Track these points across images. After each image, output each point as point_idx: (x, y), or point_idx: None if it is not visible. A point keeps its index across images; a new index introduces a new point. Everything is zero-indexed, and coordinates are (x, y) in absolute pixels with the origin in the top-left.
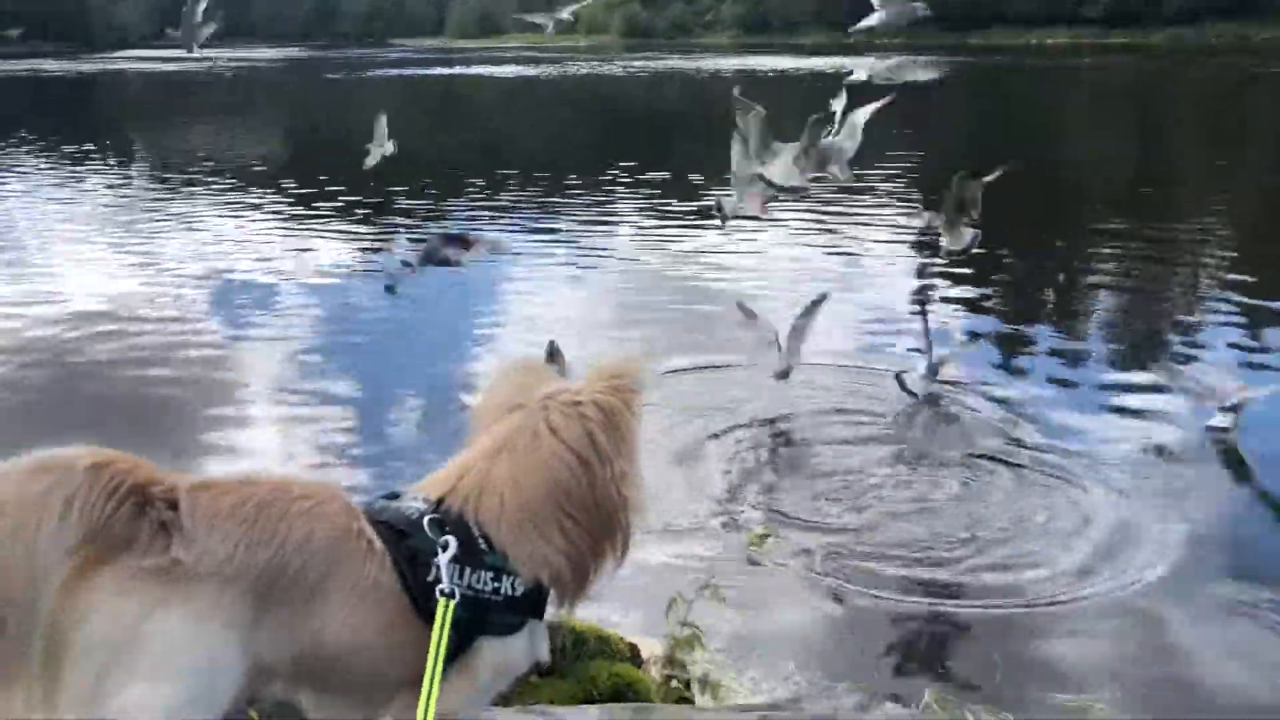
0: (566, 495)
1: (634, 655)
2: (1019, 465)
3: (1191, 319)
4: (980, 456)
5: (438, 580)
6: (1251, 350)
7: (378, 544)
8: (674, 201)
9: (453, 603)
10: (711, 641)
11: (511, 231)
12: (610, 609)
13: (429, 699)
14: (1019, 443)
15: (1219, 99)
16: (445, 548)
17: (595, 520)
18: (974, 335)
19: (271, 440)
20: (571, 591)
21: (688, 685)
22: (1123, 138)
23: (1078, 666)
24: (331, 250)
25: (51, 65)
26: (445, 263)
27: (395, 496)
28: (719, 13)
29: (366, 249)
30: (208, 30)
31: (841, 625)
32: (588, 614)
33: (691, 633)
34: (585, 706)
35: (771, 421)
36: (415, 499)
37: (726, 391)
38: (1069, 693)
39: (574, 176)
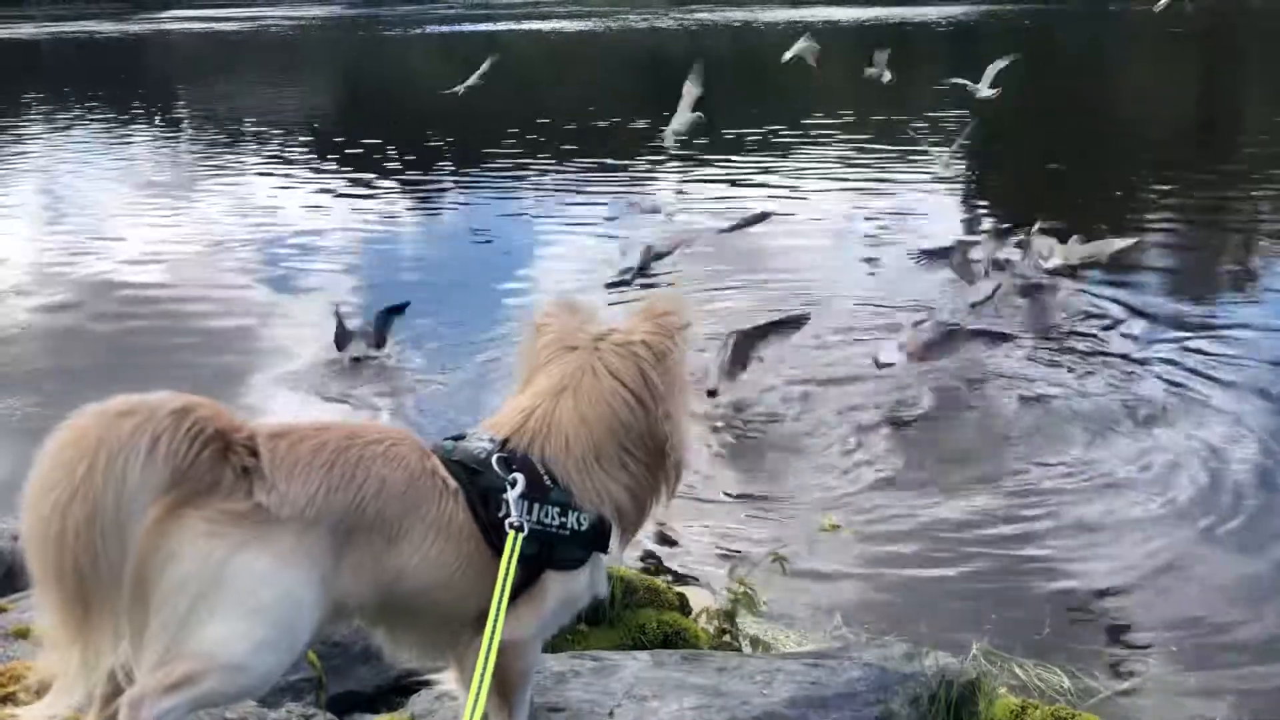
0: (626, 432)
1: (683, 605)
2: (1082, 417)
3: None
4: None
5: (508, 515)
6: None
7: (451, 483)
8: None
9: (521, 536)
10: (766, 607)
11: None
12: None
13: (495, 627)
14: (1083, 393)
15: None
16: (514, 484)
17: (652, 455)
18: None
19: (322, 389)
20: (632, 525)
21: (739, 643)
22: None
23: (1126, 623)
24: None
25: (102, 27)
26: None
27: (461, 438)
28: None
29: (420, 206)
30: None
31: (893, 584)
32: (647, 564)
33: (747, 591)
34: (635, 651)
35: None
36: (482, 439)
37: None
38: (1117, 648)
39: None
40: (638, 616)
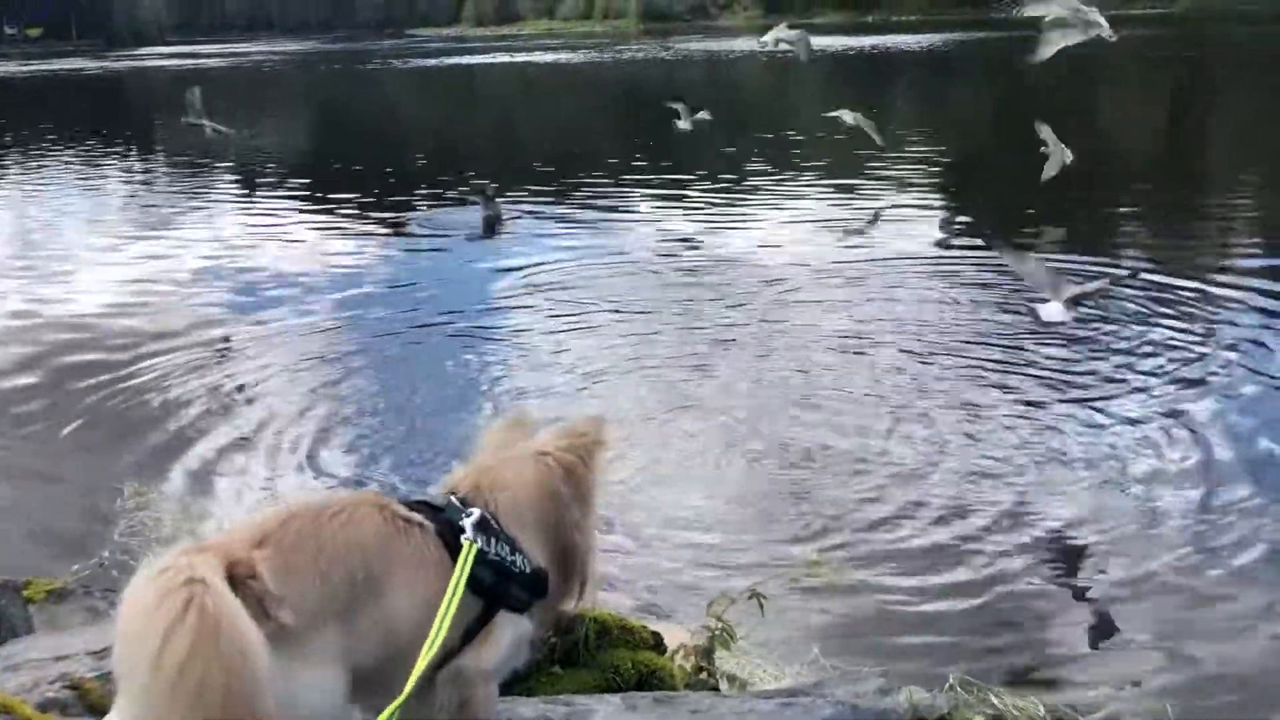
0: (547, 519)
1: (658, 644)
2: (1055, 453)
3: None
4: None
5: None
6: None
7: (416, 517)
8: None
9: (475, 546)
10: (744, 640)
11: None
12: (647, 599)
13: (443, 619)
14: (1056, 425)
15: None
16: (470, 515)
17: (564, 557)
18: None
19: (285, 438)
20: (551, 595)
21: (716, 680)
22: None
23: (1105, 649)
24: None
25: (73, 64)
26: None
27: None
28: None
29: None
30: None
31: (872, 615)
32: (620, 605)
33: (724, 628)
34: (607, 695)
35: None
36: (440, 491)
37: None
38: (1094, 675)
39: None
40: (612, 657)
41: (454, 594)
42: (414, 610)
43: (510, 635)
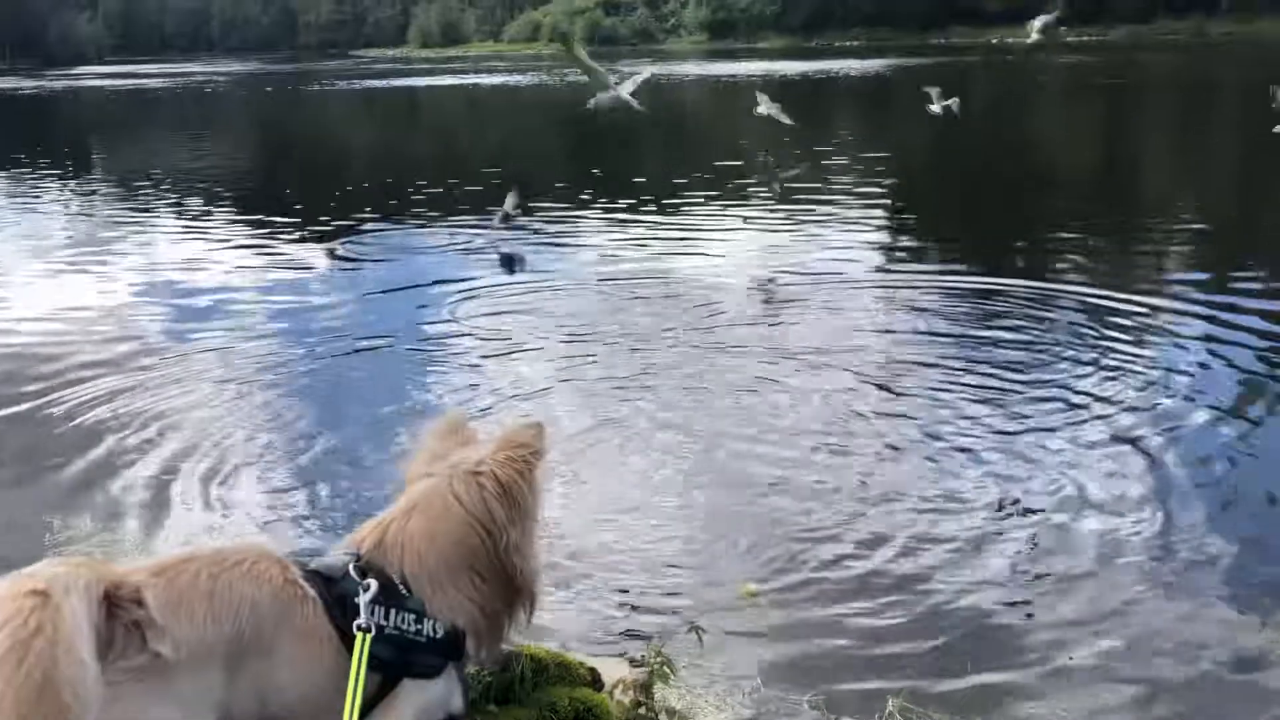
0: (474, 556)
1: (595, 680)
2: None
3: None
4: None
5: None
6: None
7: (310, 591)
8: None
9: (369, 637)
10: (684, 672)
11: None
12: (579, 633)
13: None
14: (994, 476)
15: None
16: (366, 589)
17: (503, 581)
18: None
19: (213, 468)
20: (487, 638)
21: (655, 715)
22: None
23: (1051, 675)
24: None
25: (8, 83)
26: None
27: (319, 554)
28: (682, 18)
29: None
30: None
31: (812, 642)
32: (556, 640)
33: (664, 662)
34: None
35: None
36: (341, 551)
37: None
38: (1043, 707)
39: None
40: (549, 694)
41: (354, 695)
42: (295, 684)
43: (414, 704)
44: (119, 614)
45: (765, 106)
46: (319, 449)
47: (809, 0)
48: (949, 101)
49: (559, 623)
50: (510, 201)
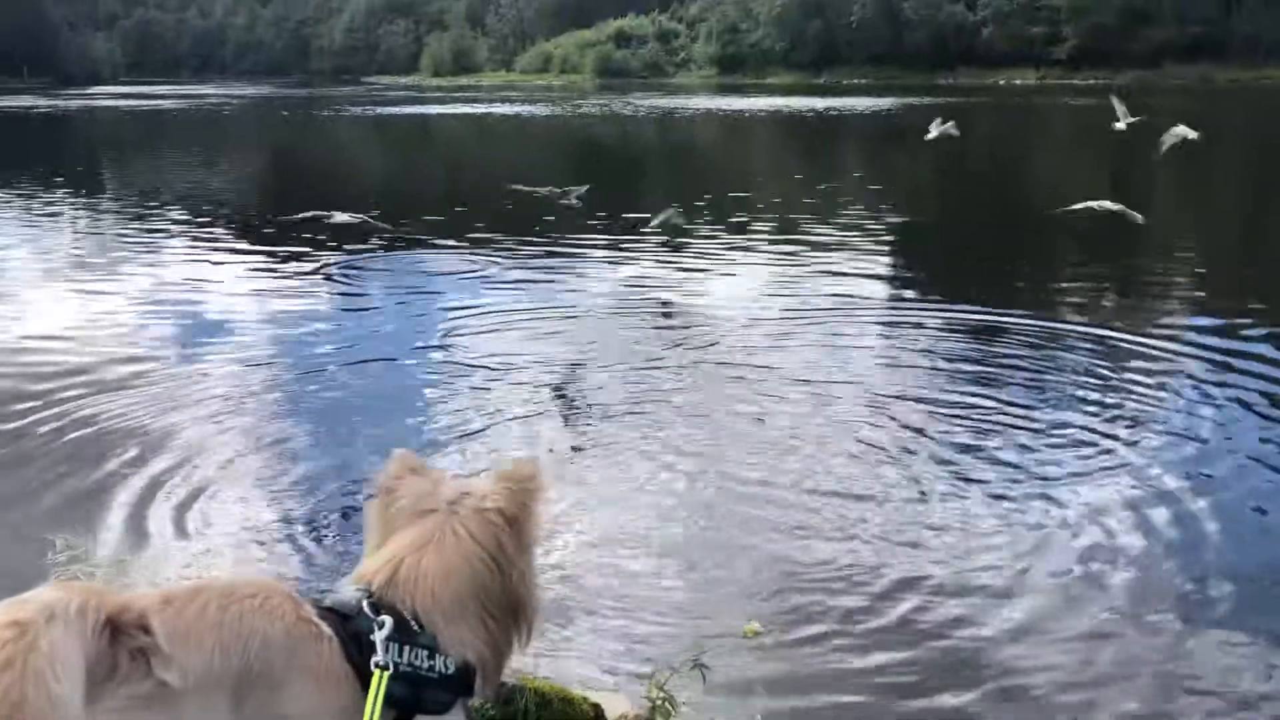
0: (486, 592)
1: (598, 715)
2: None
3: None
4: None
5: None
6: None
7: (325, 628)
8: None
9: (386, 674)
10: (686, 708)
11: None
12: (582, 668)
13: None
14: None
15: None
16: (382, 626)
17: (508, 614)
18: None
19: (218, 486)
20: (490, 674)
21: None
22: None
23: (1063, 699)
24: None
25: (23, 101)
26: None
27: (329, 592)
28: (691, 52)
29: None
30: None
31: (815, 680)
32: (560, 675)
33: (666, 698)
34: None
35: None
36: (352, 588)
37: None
38: None
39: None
40: None
41: None
42: (304, 717)
43: None
44: (123, 640)
45: (936, 129)
46: (320, 469)
47: (818, 37)
48: (946, 125)
49: (562, 658)
50: (576, 191)
